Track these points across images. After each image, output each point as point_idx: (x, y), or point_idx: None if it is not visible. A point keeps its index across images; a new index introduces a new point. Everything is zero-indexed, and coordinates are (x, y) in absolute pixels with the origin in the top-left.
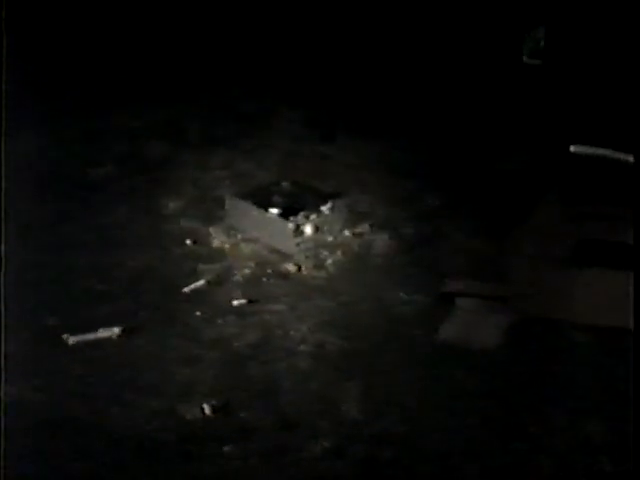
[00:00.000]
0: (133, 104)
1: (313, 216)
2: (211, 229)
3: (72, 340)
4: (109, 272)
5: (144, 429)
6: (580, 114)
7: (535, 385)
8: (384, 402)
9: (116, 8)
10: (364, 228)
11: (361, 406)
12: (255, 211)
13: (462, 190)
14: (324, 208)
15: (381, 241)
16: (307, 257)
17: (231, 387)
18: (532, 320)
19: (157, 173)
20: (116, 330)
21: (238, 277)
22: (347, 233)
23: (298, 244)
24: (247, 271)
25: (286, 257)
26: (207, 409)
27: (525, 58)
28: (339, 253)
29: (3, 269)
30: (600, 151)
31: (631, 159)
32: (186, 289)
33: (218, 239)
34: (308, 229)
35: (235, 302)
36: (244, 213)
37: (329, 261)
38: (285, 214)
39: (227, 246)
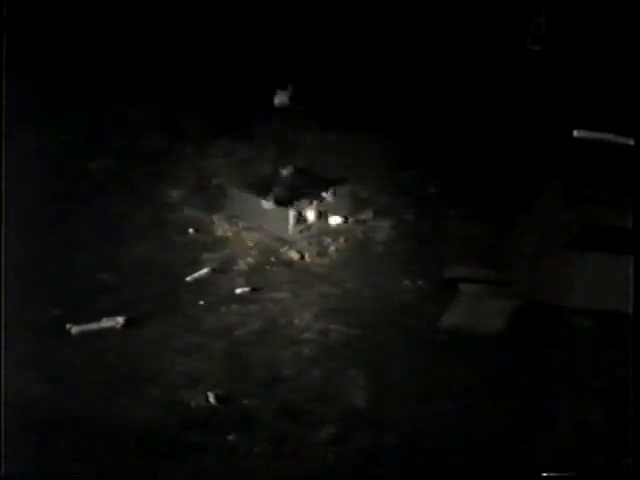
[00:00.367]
0: (133, 95)
1: (315, 203)
2: (214, 217)
3: (75, 330)
4: (112, 262)
5: (148, 418)
6: (582, 99)
7: (537, 370)
8: (388, 389)
9: (115, 4)
10: (367, 215)
11: (365, 393)
12: (257, 199)
13: (464, 176)
14: (326, 195)
15: (384, 228)
16: (310, 245)
17: (235, 375)
18: (535, 305)
19: (158, 163)
20: (119, 320)
21: (241, 265)
22: (350, 220)
23: (301, 232)
24: (250, 259)
25: (289, 245)
26: (211, 398)
27: (527, 44)
28: (342, 240)
29: (3, 261)
30: (602, 136)
31: (632, 143)
32: (189, 278)
33: (221, 228)
34: (311, 216)
35: (238, 290)
36: (246, 201)
37: (332, 248)
38: (287, 202)
39: (230, 234)
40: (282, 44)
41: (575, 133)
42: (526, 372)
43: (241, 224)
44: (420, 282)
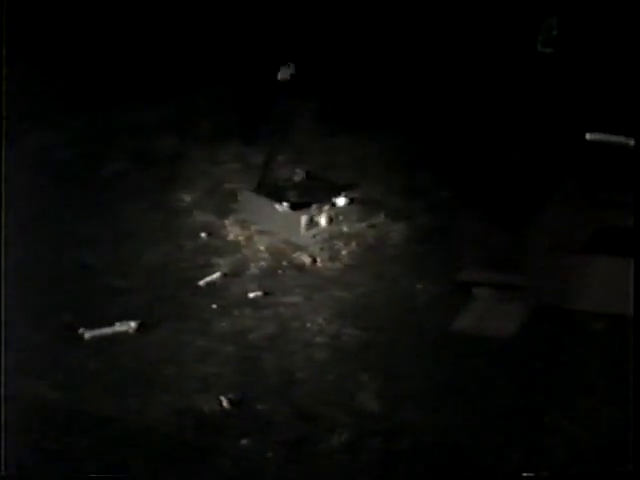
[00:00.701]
0: (144, 99)
1: (327, 208)
2: (226, 222)
3: (88, 335)
4: (125, 267)
5: (161, 422)
6: (595, 102)
7: (550, 373)
8: (401, 393)
9: (125, 4)
10: (379, 219)
11: (378, 397)
12: (269, 204)
13: (477, 179)
14: (338, 200)
15: (396, 232)
16: (322, 249)
17: (248, 379)
18: (548, 308)
19: (170, 167)
20: (132, 324)
21: (253, 269)
22: (362, 224)
23: (313, 236)
24: (262, 263)
25: (301, 249)
26: (225, 402)
27: (539, 47)
28: (354, 244)
29: (3, 265)
30: (615, 138)
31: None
32: (201, 282)
33: (233, 232)
34: (323, 221)
35: (251, 294)
36: (258, 206)
37: (344, 252)
38: (299, 206)
39: (242, 239)
40: (295, 48)
41: (588, 136)
42: (540, 376)
43: (253, 228)
44: (432, 285)
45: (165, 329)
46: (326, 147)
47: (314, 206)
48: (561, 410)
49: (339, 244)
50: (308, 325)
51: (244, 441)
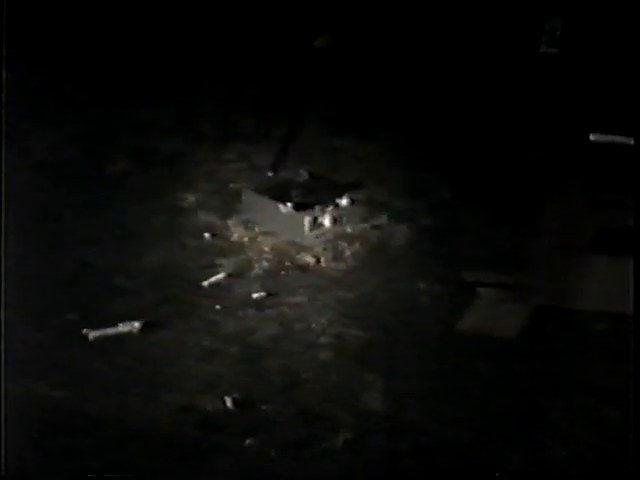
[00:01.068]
0: (148, 99)
1: (330, 208)
2: (229, 222)
3: (92, 335)
4: (128, 267)
5: (165, 422)
6: (599, 102)
7: (554, 373)
8: (404, 393)
9: (130, 4)
10: (382, 220)
11: (382, 397)
12: (273, 204)
13: (480, 180)
14: (342, 200)
15: (399, 232)
16: (325, 249)
17: (252, 380)
18: (551, 308)
19: (174, 167)
20: (136, 325)
21: (257, 270)
22: (365, 225)
23: (317, 236)
24: (266, 264)
25: (305, 249)
26: (229, 402)
27: (542, 47)
28: (357, 245)
29: (4, 266)
30: (619, 139)
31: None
32: (205, 283)
33: (237, 232)
34: (326, 221)
35: (254, 295)
36: (262, 206)
37: (348, 253)
38: (303, 207)
39: (246, 239)
40: (298, 47)
41: (592, 137)
42: (543, 376)
43: (257, 229)
44: (436, 286)
45: (169, 329)
46: (330, 147)
47: (318, 207)
48: (563, 410)
49: (343, 245)
50: (312, 325)
51: (248, 441)
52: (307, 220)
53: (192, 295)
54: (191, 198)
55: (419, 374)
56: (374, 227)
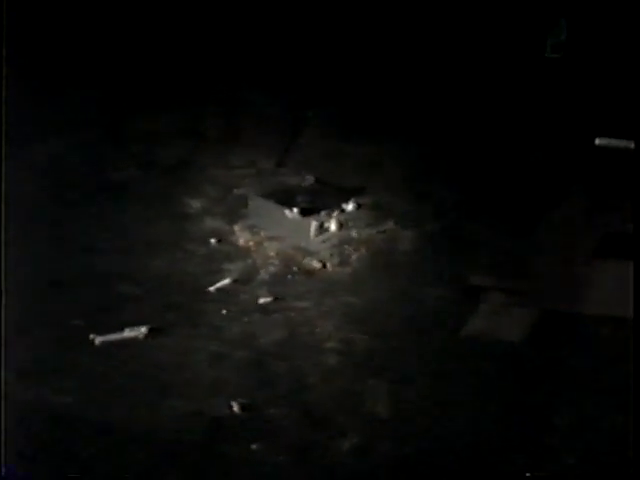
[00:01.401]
0: (153, 105)
1: (336, 213)
2: (235, 228)
3: (99, 340)
4: (135, 273)
5: (172, 428)
6: (603, 107)
7: (559, 377)
8: (410, 398)
9: (133, 10)
10: (388, 225)
11: (388, 402)
12: (279, 209)
13: (485, 185)
14: (348, 205)
15: (405, 237)
16: (331, 254)
17: (258, 385)
18: (556, 313)
19: (179, 173)
20: (143, 330)
21: (263, 275)
22: (371, 230)
23: (323, 241)
24: (272, 269)
25: (311, 254)
26: (235, 407)
27: (547, 52)
28: (363, 250)
29: (3, 269)
30: (624, 143)
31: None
32: (211, 288)
33: (242, 238)
34: (332, 226)
35: (261, 300)
36: (268, 211)
37: (354, 258)
38: (309, 212)
39: (252, 244)
40: (302, 54)
41: (597, 141)
42: (549, 380)
43: (263, 234)
44: (441, 291)
45: (175, 334)
46: (336, 152)
47: (324, 212)
48: (569, 414)
49: (349, 249)
50: (318, 330)
51: (254, 446)
52: (313, 225)
53: (198, 300)
54: (197, 204)
55: (425, 379)
56: (380, 232)
